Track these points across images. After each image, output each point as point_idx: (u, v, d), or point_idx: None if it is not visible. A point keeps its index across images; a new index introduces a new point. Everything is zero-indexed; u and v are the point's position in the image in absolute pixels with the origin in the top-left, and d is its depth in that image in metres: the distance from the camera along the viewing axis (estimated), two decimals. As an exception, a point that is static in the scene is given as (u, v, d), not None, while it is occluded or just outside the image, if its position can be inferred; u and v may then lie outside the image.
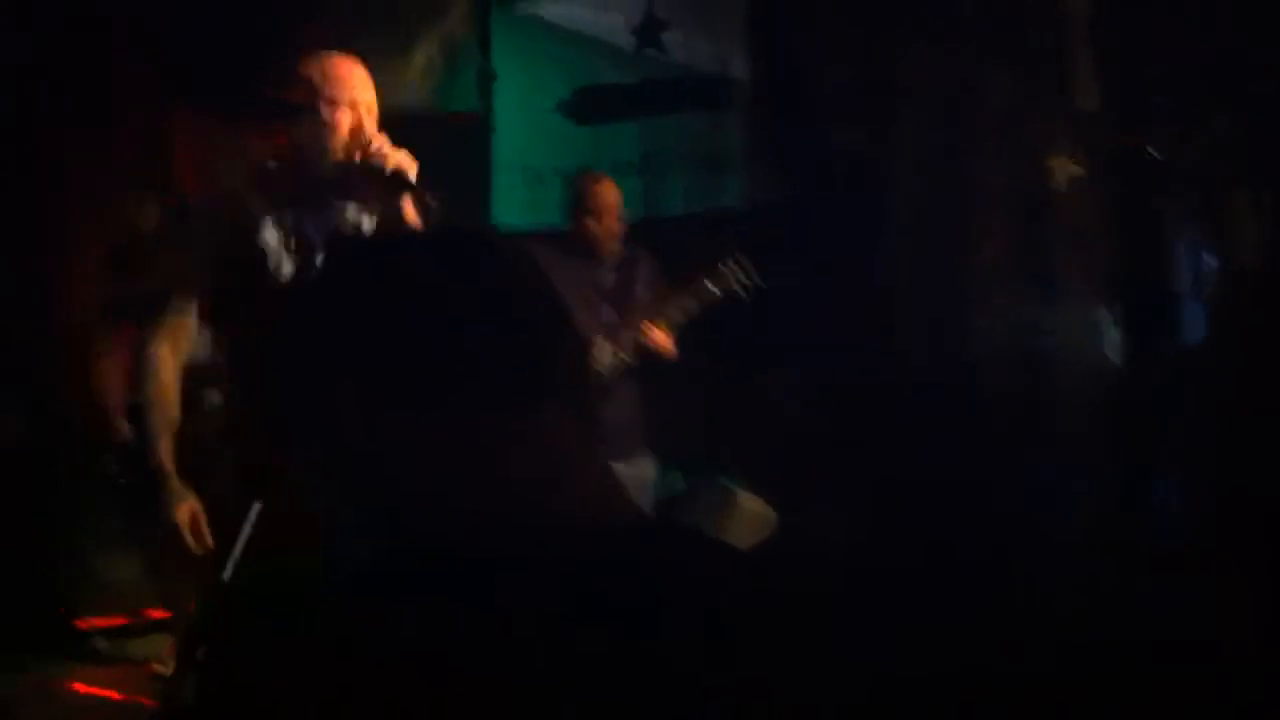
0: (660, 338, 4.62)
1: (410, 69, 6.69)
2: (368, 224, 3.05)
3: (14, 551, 4.43)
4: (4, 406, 5.18)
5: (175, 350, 2.96)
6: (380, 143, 2.93)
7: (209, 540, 2.82)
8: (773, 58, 6.07)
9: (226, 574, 2.61)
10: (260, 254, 2.94)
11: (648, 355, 4.64)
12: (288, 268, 2.95)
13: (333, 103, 2.94)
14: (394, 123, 6.54)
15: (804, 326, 5.32)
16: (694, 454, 5.50)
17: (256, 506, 2.66)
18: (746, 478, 5.22)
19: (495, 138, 6.63)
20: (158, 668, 4.73)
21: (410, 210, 2.92)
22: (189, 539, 2.81)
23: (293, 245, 2.97)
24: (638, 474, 4.77)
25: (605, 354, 4.66)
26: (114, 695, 4.29)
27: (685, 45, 6.34)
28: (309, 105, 2.95)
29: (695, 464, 5.52)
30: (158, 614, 3.75)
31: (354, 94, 2.97)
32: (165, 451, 2.87)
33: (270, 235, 2.96)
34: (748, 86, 6.18)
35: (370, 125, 2.98)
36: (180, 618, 3.67)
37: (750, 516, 5.08)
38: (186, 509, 2.83)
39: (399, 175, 2.89)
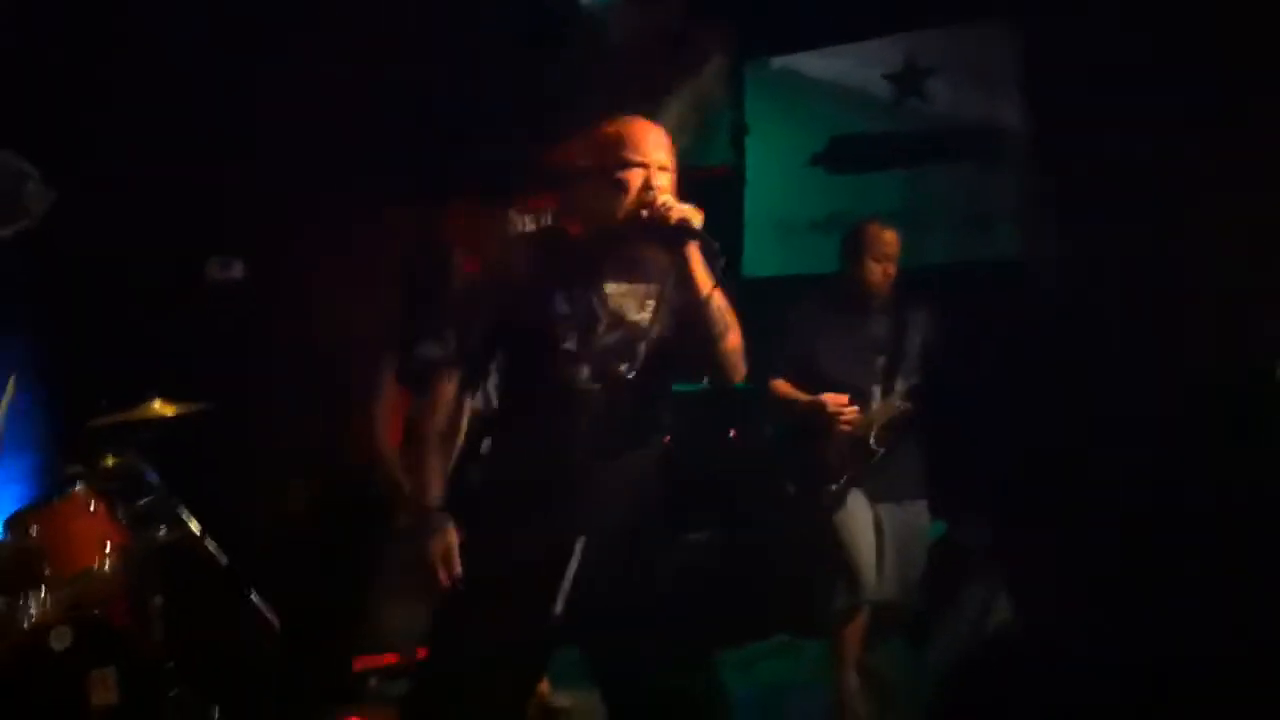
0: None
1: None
2: (646, 294, 3.07)
3: (304, 602, 4.61)
4: (298, 473, 5.48)
5: (460, 404, 3.08)
6: (666, 196, 3.00)
7: (458, 571, 2.94)
8: (1045, 108, 5.78)
9: (558, 608, 2.72)
10: (549, 323, 3.02)
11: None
12: (571, 340, 3.03)
13: (625, 164, 3.03)
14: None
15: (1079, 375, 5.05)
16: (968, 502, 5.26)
17: (581, 540, 2.76)
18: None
19: (747, 189, 6.56)
20: None
21: (696, 260, 2.97)
22: (441, 570, 2.94)
23: (576, 315, 3.04)
24: (910, 520, 4.69)
25: (876, 401, 4.63)
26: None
27: (951, 94, 6.11)
28: (601, 166, 3.04)
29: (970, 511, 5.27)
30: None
31: (646, 154, 3.06)
32: (438, 487, 3.01)
33: (560, 305, 3.03)
34: (1018, 137, 5.90)
35: (662, 182, 3.04)
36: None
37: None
38: (443, 540, 2.96)
39: (684, 224, 2.93)
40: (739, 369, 3.19)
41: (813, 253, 6.00)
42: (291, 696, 4.54)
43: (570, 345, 3.02)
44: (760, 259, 6.50)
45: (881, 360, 4.67)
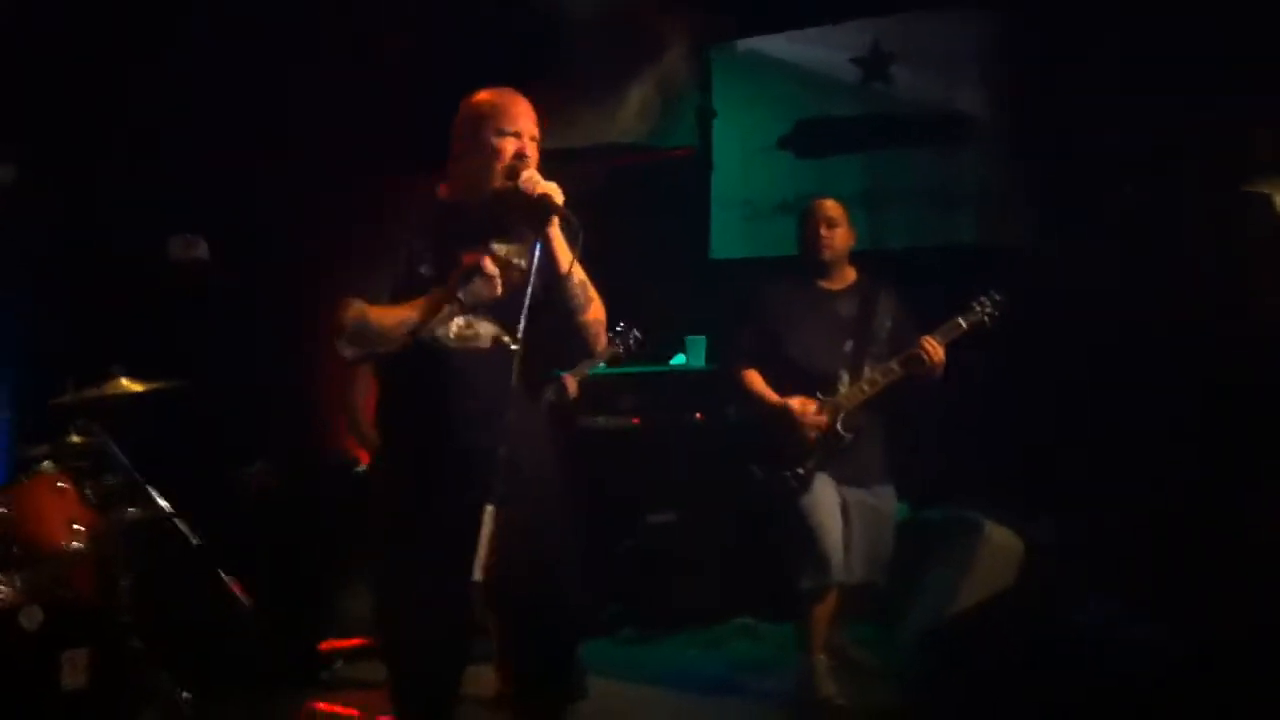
0: (938, 351, 4.51)
1: (626, 107, 6.69)
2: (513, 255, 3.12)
3: (271, 585, 4.60)
4: (266, 458, 5.48)
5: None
6: (531, 172, 3.06)
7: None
8: (1005, 93, 5.83)
9: (476, 575, 2.64)
10: (421, 288, 3.06)
11: (916, 370, 4.54)
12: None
13: (499, 132, 3.11)
14: (611, 158, 6.63)
15: (1045, 362, 5.12)
16: (933, 485, 5.32)
17: (490, 509, 2.68)
18: (994, 509, 5.03)
19: (715, 173, 6.57)
20: None
21: (556, 235, 3.03)
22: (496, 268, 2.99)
23: (441, 275, 3.08)
24: (878, 504, 4.74)
25: (844, 386, 4.65)
26: (354, 714, 4.41)
27: (916, 79, 6.14)
28: (477, 135, 3.11)
29: (935, 495, 5.32)
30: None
31: (518, 124, 3.13)
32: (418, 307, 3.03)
33: (427, 269, 3.09)
34: (981, 122, 5.95)
35: (532, 152, 3.12)
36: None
37: (1001, 548, 4.94)
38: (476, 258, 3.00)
39: (545, 200, 2.99)
40: (600, 340, 3.26)
41: (779, 235, 6.03)
42: (260, 678, 4.52)
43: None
44: (727, 241, 6.52)
45: (850, 344, 4.70)
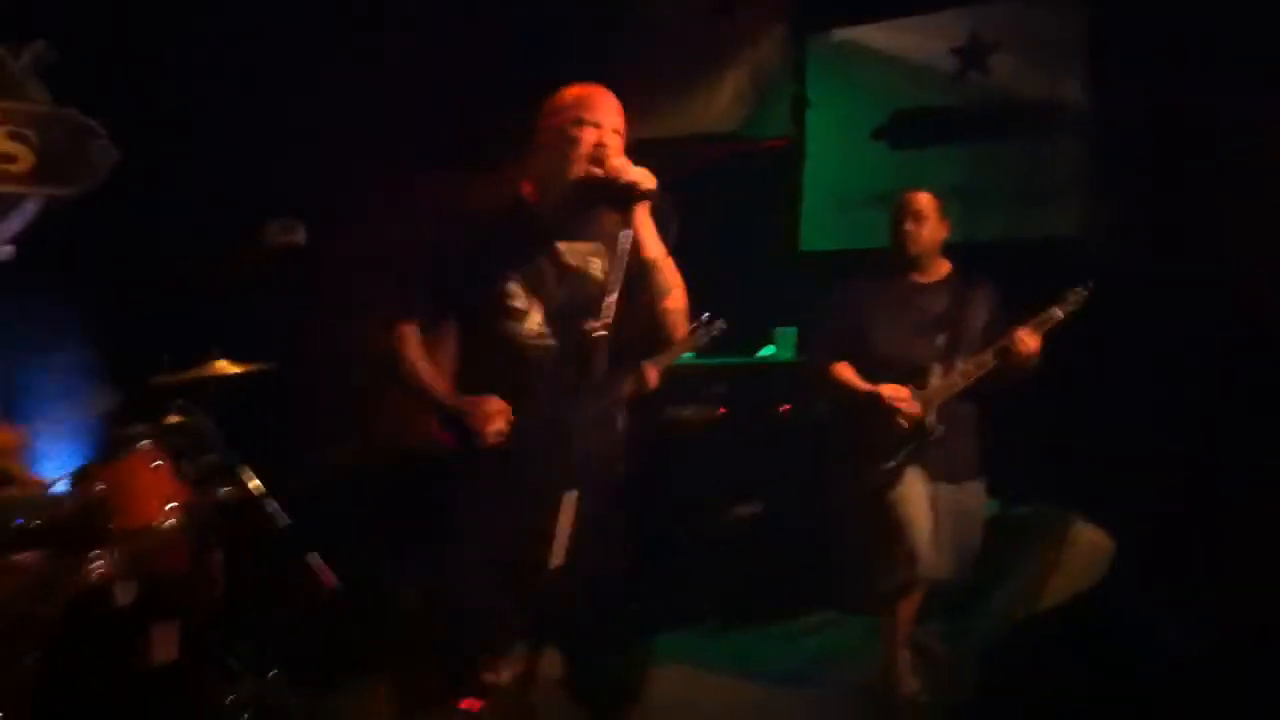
0: (1033, 341, 4.44)
1: (719, 97, 6.68)
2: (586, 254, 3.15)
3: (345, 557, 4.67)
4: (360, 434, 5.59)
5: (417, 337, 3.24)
6: (619, 159, 3.08)
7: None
8: (1105, 84, 5.72)
9: (556, 560, 2.71)
10: (497, 282, 3.13)
11: (1008, 362, 4.47)
12: (520, 298, 3.15)
13: (580, 122, 3.12)
14: (704, 149, 6.63)
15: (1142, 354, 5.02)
16: (1023, 480, 5.24)
17: (571, 495, 2.74)
18: (1081, 506, 4.94)
19: (807, 163, 6.53)
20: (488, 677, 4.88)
21: (644, 221, 3.01)
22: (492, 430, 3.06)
23: (524, 273, 3.15)
24: (967, 500, 4.68)
25: (936, 378, 4.59)
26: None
27: (1015, 69, 6.05)
28: (559, 126, 3.12)
29: (1025, 491, 5.25)
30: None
31: (600, 116, 3.15)
32: (448, 389, 3.16)
33: (507, 264, 3.15)
34: (1081, 113, 5.84)
35: (614, 144, 3.12)
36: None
37: (1088, 545, 4.86)
38: (486, 412, 3.08)
39: (634, 186, 2.97)
40: (680, 328, 3.26)
41: (871, 227, 5.98)
42: (344, 657, 4.58)
43: (519, 303, 3.12)
44: (818, 233, 6.48)
45: (942, 338, 4.63)
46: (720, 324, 5.26)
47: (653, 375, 4.91)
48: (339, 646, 4.47)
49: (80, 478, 4.23)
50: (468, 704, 4.70)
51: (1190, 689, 3.87)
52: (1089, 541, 4.89)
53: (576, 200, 3.14)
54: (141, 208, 5.82)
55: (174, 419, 4.43)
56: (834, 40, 6.59)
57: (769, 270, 6.37)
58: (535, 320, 3.13)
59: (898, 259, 4.76)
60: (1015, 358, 4.46)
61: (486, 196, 3.27)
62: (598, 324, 2.84)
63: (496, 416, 3.07)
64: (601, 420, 3.03)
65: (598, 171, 3.05)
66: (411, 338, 3.20)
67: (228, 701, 4.01)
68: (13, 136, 6.07)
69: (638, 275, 3.02)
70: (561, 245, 3.16)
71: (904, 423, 4.55)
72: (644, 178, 3.00)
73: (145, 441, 4.31)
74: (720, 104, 6.63)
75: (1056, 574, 4.82)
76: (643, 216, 3.01)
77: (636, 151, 3.18)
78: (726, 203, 6.45)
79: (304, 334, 5.47)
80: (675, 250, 3.13)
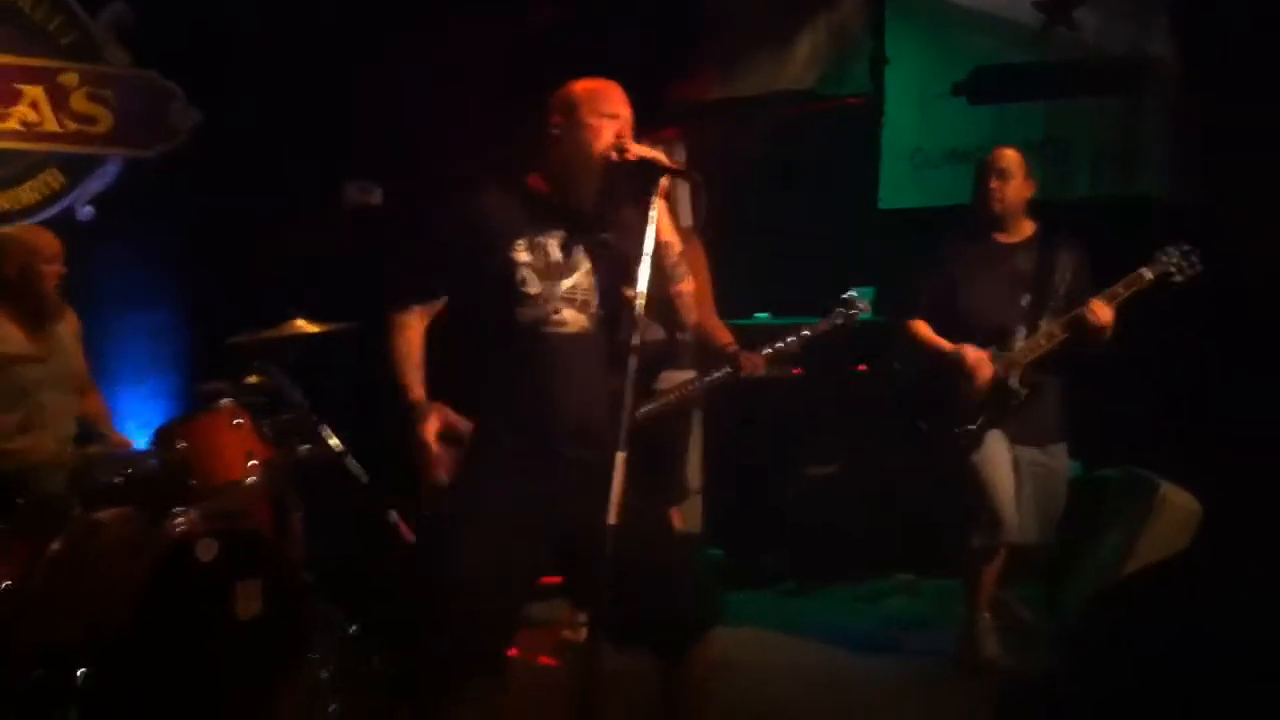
0: (1104, 313, 4.35)
1: (798, 54, 6.59)
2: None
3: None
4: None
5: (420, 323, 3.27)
6: (633, 143, 3.13)
7: (435, 451, 3.12)
8: (1192, 41, 5.57)
9: (611, 518, 2.74)
10: (510, 269, 3.15)
11: (1083, 333, 4.38)
12: (535, 286, 3.16)
13: (597, 114, 3.17)
14: (782, 107, 6.55)
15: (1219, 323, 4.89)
16: (1109, 444, 5.14)
17: (621, 456, 2.77)
18: (1172, 470, 4.85)
19: (885, 121, 6.42)
20: (567, 634, 4.90)
21: (661, 205, 3.05)
22: (430, 449, 3.11)
23: (544, 265, 3.18)
24: (1051, 463, 4.62)
25: (1019, 341, 4.51)
26: (515, 653, 4.41)
27: (1100, 24, 5.90)
28: (575, 117, 3.19)
29: (1112, 454, 5.15)
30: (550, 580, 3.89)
31: (617, 107, 3.20)
32: (419, 385, 3.19)
33: (523, 254, 3.17)
34: (1167, 71, 5.70)
35: (628, 133, 3.18)
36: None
37: (1177, 510, 4.76)
38: (432, 424, 3.13)
39: (658, 162, 3.04)
40: (691, 313, 3.37)
41: (950, 184, 5.90)
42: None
43: (532, 289, 3.16)
44: (897, 191, 6.38)
45: (1026, 298, 4.54)
46: (862, 304, 5.02)
47: (759, 362, 4.80)
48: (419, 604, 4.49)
49: (162, 437, 4.27)
50: (546, 660, 4.76)
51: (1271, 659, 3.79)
52: (1176, 505, 4.79)
53: (598, 188, 3.19)
54: (223, 167, 5.85)
55: (253, 378, 4.46)
56: (914, -5, 6.48)
57: (847, 229, 6.29)
58: (549, 304, 3.17)
59: (982, 217, 4.67)
60: (1089, 328, 4.37)
61: (489, 188, 3.27)
62: (632, 290, 2.90)
63: (439, 468, 3.13)
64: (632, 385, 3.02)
65: (617, 156, 3.10)
66: (407, 327, 3.24)
67: (310, 658, 4.04)
68: (92, 98, 6.15)
69: (655, 256, 3.03)
70: (577, 232, 3.22)
71: (984, 387, 4.48)
72: (662, 155, 3.07)
73: (226, 400, 4.35)
74: (798, 62, 6.55)
75: (1143, 538, 4.73)
76: (660, 200, 3.06)
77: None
78: (805, 161, 6.38)
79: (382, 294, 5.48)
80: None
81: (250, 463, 4.24)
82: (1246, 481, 4.69)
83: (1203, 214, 5.13)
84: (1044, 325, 4.49)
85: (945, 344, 4.58)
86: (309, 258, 5.52)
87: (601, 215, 3.23)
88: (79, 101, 6.12)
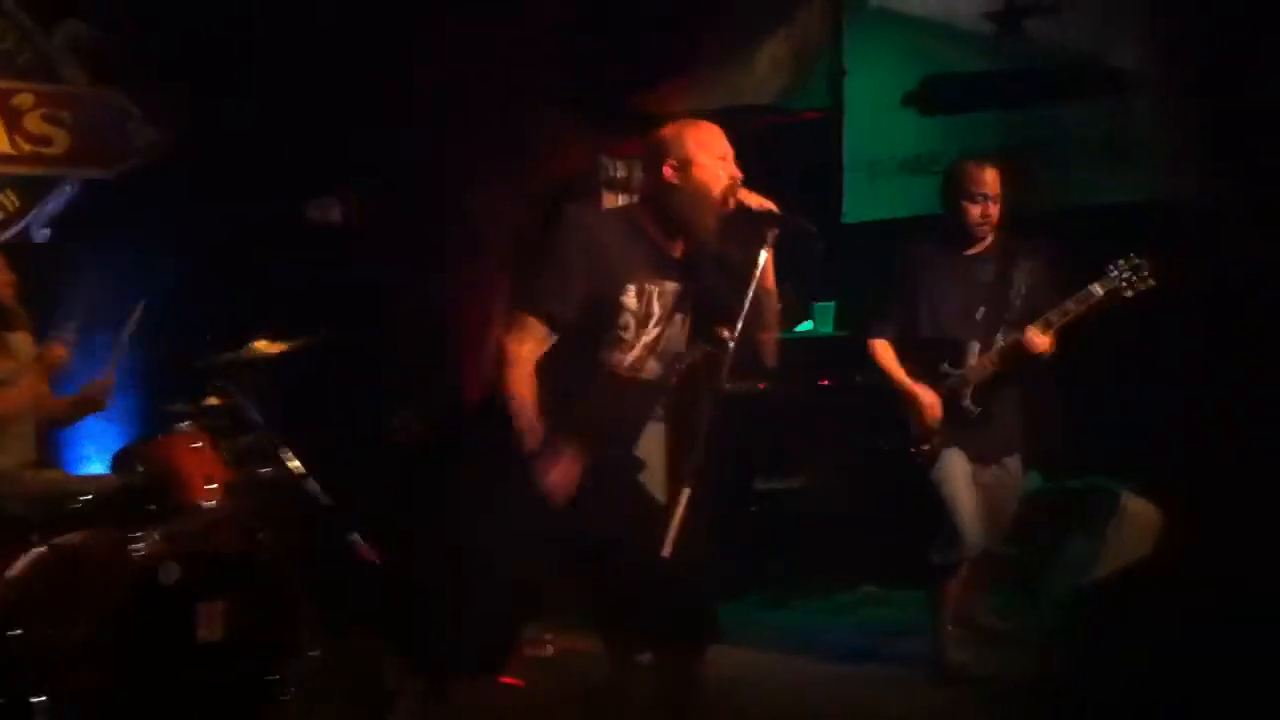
0: (1040, 342, 4.34)
1: (756, 69, 6.60)
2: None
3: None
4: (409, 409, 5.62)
5: (533, 348, 3.13)
6: (746, 192, 3.14)
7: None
8: (1157, 46, 5.61)
9: (666, 550, 2.81)
10: (615, 313, 3.14)
11: (1020, 360, 4.40)
12: (631, 332, 3.17)
13: (711, 156, 3.17)
14: (743, 121, 6.57)
15: (1187, 331, 4.91)
16: (1072, 455, 5.19)
17: (686, 491, 2.85)
18: (1133, 479, 4.87)
19: (846, 134, 6.44)
20: (530, 650, 4.84)
21: (769, 255, 3.08)
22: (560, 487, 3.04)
23: (644, 313, 3.18)
24: (1003, 475, 4.63)
25: (973, 358, 4.51)
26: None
27: (1052, 32, 5.94)
28: (690, 164, 3.16)
29: (1074, 465, 5.19)
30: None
31: (725, 149, 3.20)
32: (536, 414, 3.06)
33: (630, 299, 3.15)
34: (1120, 76, 5.74)
35: (736, 175, 3.18)
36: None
37: (1139, 518, 4.76)
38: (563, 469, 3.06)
39: (768, 213, 3.08)
40: (772, 360, 3.34)
41: (908, 194, 5.92)
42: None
43: (628, 335, 3.16)
44: (860, 205, 6.39)
45: (982, 310, 4.51)
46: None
47: None
48: (382, 623, 4.46)
49: (121, 459, 4.23)
50: (510, 680, 4.73)
51: (1240, 661, 3.82)
52: (1138, 514, 4.84)
53: (711, 233, 3.18)
54: (182, 188, 5.81)
55: (213, 400, 4.43)
56: (870, 7, 6.49)
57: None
58: (635, 353, 3.18)
59: (955, 232, 4.61)
60: (1025, 357, 4.38)
61: (609, 221, 3.28)
62: (729, 333, 2.95)
63: (565, 481, 3.07)
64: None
65: (733, 204, 3.11)
66: (522, 352, 3.12)
67: (272, 680, 4.00)
68: (47, 119, 6.08)
69: (753, 302, 3.06)
70: (683, 283, 3.21)
71: (934, 424, 4.49)
72: (769, 204, 3.10)
73: (185, 422, 4.31)
74: (759, 75, 6.56)
75: (1107, 546, 4.77)
76: (769, 249, 3.08)
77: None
78: (766, 176, 6.36)
79: (349, 308, 5.46)
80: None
81: (210, 486, 4.20)
82: (1211, 489, 4.73)
83: (1164, 219, 5.18)
84: (999, 340, 4.47)
85: (903, 378, 4.57)
86: (270, 278, 5.49)
87: (709, 260, 3.22)
88: (34, 123, 6.05)
